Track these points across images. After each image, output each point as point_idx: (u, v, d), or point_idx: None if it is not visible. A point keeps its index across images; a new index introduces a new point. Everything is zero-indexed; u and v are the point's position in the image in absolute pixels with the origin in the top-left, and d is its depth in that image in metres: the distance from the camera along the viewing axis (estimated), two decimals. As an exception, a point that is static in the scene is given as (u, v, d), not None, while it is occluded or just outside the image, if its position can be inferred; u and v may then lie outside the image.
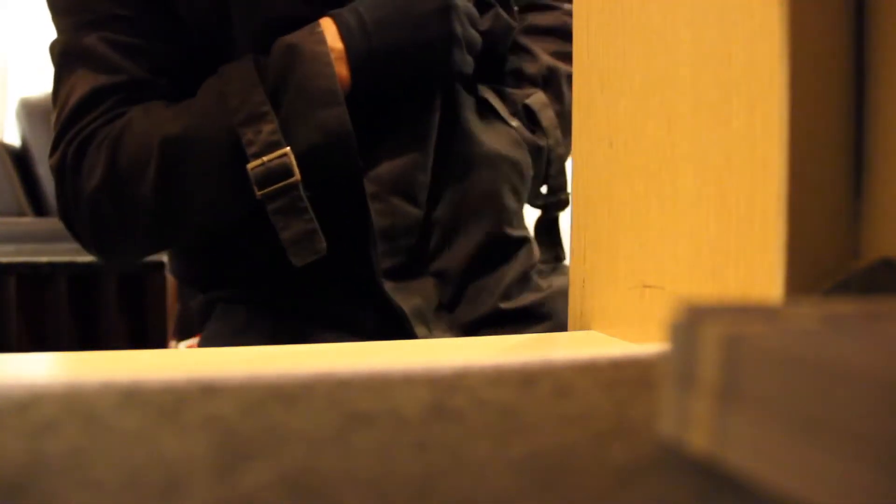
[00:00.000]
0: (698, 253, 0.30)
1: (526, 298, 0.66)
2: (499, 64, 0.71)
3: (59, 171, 0.62)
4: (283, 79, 0.57)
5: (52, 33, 0.66)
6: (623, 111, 0.36)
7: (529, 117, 0.70)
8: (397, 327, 0.59)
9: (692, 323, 0.16)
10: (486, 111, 0.68)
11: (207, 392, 0.19)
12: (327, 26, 0.59)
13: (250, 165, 0.56)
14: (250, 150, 0.56)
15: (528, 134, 0.69)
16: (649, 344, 0.32)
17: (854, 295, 0.25)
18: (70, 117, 0.62)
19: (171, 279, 1.71)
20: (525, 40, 0.74)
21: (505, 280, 0.66)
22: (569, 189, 0.70)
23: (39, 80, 3.13)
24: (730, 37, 0.28)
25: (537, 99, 0.70)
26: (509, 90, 0.71)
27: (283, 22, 0.61)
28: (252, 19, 0.62)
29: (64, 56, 0.63)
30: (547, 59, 0.73)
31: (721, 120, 0.29)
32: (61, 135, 0.62)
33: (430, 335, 0.59)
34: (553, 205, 0.73)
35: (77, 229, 0.64)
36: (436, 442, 0.17)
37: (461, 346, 0.36)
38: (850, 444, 0.12)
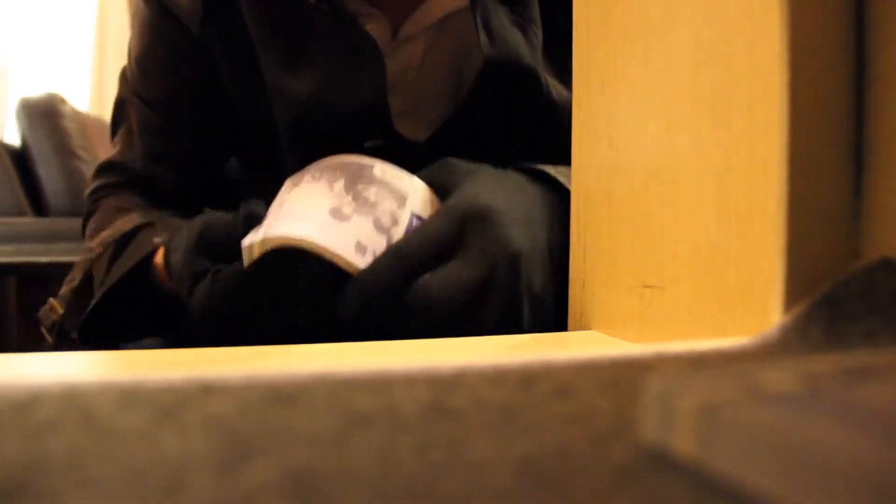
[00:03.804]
0: (698, 253, 0.30)
1: None
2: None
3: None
4: None
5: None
6: (623, 111, 0.36)
7: None
8: None
9: (669, 392, 0.16)
10: None
11: (207, 392, 0.19)
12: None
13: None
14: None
15: None
16: (649, 344, 0.32)
17: (854, 297, 0.25)
18: (98, 169, 0.77)
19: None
20: None
21: None
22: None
23: (39, 80, 3.13)
24: (730, 37, 0.28)
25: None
26: None
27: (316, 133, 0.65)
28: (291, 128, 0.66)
29: (117, 106, 0.77)
30: None
31: (721, 120, 0.29)
32: (92, 178, 0.78)
33: None
34: None
35: None
36: (436, 442, 0.17)
37: (461, 346, 0.36)
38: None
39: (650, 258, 0.34)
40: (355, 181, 0.45)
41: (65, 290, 0.69)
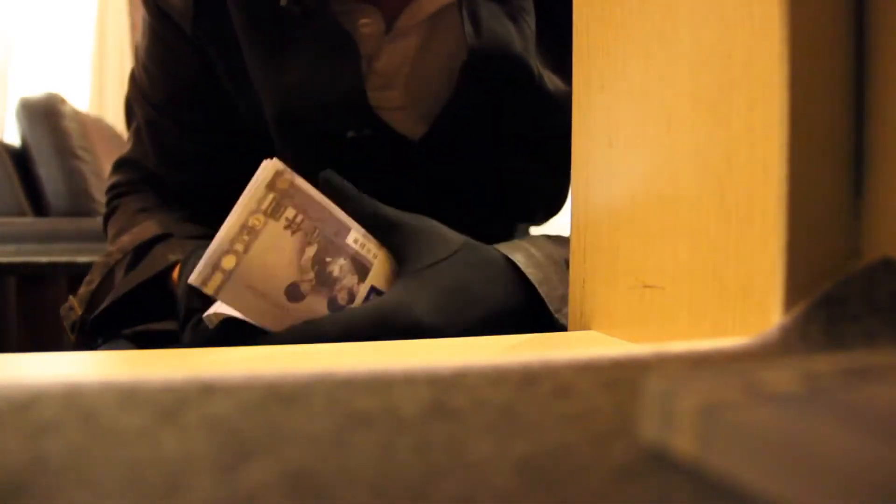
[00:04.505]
0: (698, 253, 0.30)
1: None
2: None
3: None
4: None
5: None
6: (623, 111, 0.36)
7: None
8: None
9: (669, 391, 0.16)
10: None
11: (207, 392, 0.19)
12: None
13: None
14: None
15: None
16: (649, 344, 0.32)
17: (854, 297, 0.25)
18: (114, 165, 0.80)
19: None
20: None
21: None
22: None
23: (39, 80, 3.13)
24: (730, 37, 0.28)
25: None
26: None
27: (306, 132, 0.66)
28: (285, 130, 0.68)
29: (128, 106, 0.79)
30: None
31: (721, 120, 0.29)
32: (110, 175, 0.81)
33: None
34: None
35: None
36: (436, 442, 0.17)
37: (461, 346, 0.36)
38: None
39: (650, 258, 0.34)
40: (325, 250, 0.45)
41: (83, 290, 0.71)
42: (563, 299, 0.48)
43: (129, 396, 0.19)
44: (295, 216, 0.44)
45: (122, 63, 3.31)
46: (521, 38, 0.64)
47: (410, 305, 0.43)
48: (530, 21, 0.65)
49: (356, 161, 0.67)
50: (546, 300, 0.47)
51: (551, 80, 0.66)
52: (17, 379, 0.20)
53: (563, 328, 0.46)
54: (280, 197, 0.44)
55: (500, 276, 0.47)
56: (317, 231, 0.45)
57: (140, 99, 0.75)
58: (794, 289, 0.26)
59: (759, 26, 0.26)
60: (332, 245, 0.45)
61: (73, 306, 0.71)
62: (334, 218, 0.46)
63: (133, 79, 0.77)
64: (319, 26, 0.63)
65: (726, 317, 0.28)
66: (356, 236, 0.46)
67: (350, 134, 0.65)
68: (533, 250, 0.50)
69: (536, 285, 0.47)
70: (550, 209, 0.81)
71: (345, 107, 0.64)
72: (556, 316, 0.47)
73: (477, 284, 0.46)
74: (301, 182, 0.45)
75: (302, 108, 0.65)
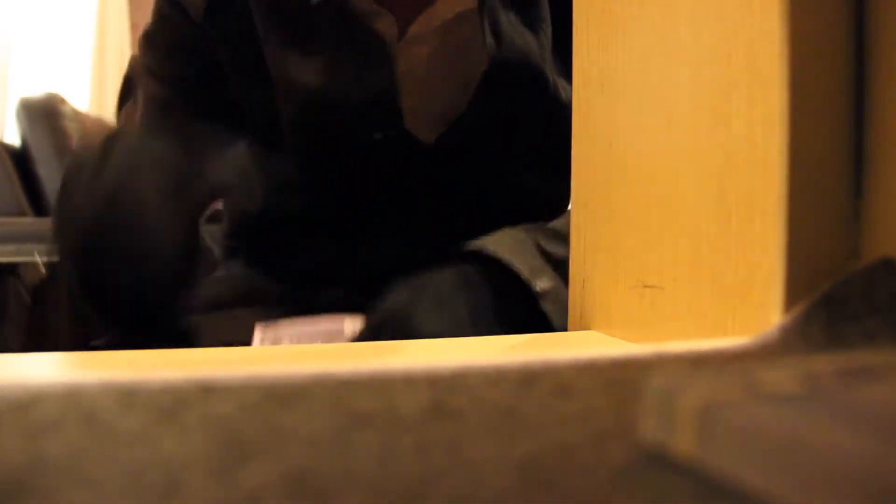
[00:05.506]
0: (698, 253, 0.30)
1: None
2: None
3: None
4: None
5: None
6: (623, 111, 0.36)
7: None
8: None
9: (669, 391, 0.16)
10: None
11: (207, 392, 0.19)
12: None
13: None
14: None
15: None
16: (649, 344, 0.32)
17: (854, 297, 0.25)
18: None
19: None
20: None
21: None
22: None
23: (39, 80, 3.13)
24: (730, 37, 0.28)
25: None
26: None
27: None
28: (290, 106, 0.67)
29: (124, 83, 0.77)
30: None
31: (721, 120, 0.29)
32: None
33: None
34: None
35: None
36: (436, 442, 0.17)
37: (461, 346, 0.36)
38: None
39: (650, 258, 0.34)
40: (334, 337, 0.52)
41: None
42: (535, 270, 0.51)
43: (129, 396, 0.19)
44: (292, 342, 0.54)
45: (122, 63, 3.30)
46: (540, 48, 0.64)
47: (405, 307, 0.47)
48: (547, 30, 0.66)
49: (367, 163, 0.67)
50: (499, 257, 0.50)
51: (565, 90, 0.66)
52: (17, 379, 0.20)
53: (539, 294, 0.49)
54: (274, 341, 0.53)
55: (449, 266, 0.52)
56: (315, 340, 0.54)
57: (143, 74, 0.73)
58: (794, 289, 0.26)
59: (759, 26, 0.26)
60: (337, 337, 0.54)
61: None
62: (326, 325, 0.54)
63: (134, 59, 0.75)
64: (347, 28, 0.63)
65: (726, 317, 0.28)
66: (353, 326, 0.54)
67: (377, 136, 0.65)
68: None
69: (482, 248, 0.51)
70: (554, 211, 0.81)
71: (374, 107, 0.64)
72: (530, 280, 0.50)
73: (435, 275, 0.51)
74: (285, 323, 0.55)
75: (328, 108, 0.65)
